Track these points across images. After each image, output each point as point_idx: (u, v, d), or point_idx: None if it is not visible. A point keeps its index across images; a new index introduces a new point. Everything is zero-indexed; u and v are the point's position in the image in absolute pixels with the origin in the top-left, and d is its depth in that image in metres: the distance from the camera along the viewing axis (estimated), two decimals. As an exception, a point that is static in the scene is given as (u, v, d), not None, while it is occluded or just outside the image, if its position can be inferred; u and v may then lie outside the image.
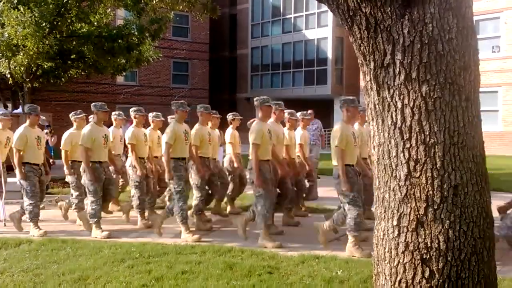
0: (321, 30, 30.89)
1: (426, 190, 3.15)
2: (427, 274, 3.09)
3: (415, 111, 3.21)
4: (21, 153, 7.71)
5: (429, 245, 3.11)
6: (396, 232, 3.22)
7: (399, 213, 3.22)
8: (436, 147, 3.16)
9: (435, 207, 3.12)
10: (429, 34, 3.18)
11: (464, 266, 3.09)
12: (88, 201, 7.68)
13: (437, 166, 3.15)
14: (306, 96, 31.37)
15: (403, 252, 3.18)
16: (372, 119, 3.45)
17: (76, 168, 8.19)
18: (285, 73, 33.76)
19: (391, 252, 3.23)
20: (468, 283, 3.09)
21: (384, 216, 3.31)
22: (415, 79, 3.21)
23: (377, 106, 3.39)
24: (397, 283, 3.18)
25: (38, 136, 7.89)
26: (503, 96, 22.19)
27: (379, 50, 3.31)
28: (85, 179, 7.51)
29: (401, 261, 3.18)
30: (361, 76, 3.62)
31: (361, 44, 3.41)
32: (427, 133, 3.18)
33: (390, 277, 3.22)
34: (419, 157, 3.19)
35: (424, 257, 3.11)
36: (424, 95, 3.19)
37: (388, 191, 3.29)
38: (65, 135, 8.50)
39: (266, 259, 6.04)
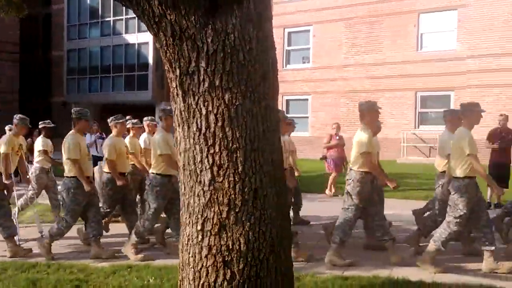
0: (141, 35, 30.55)
1: (229, 194, 3.25)
2: (228, 276, 3.20)
3: (218, 118, 3.30)
4: None
5: (230, 247, 3.21)
6: (200, 237, 3.28)
7: (203, 218, 3.28)
8: (238, 152, 3.28)
9: (237, 210, 3.24)
10: (231, 44, 3.29)
11: (263, 266, 3.25)
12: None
13: (239, 170, 3.27)
14: (127, 101, 30.75)
15: (206, 256, 3.25)
16: (179, 125, 3.47)
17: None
18: (104, 77, 32.73)
19: (195, 257, 3.28)
20: (267, 281, 3.26)
21: (189, 221, 3.35)
22: (218, 87, 3.30)
23: (183, 113, 3.42)
24: (200, 287, 3.24)
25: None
26: (311, 103, 24.04)
27: (184, 57, 3.34)
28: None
29: (204, 264, 3.25)
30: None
31: (167, 51, 3.42)
32: (230, 139, 3.29)
33: (194, 281, 3.27)
34: (222, 162, 3.28)
35: (226, 259, 3.21)
36: (227, 102, 3.29)
37: (193, 197, 3.34)
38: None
39: (75, 273, 5.75)
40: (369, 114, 6.49)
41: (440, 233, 6.04)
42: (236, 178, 3.26)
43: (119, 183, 7.02)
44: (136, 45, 31.31)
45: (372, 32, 22.34)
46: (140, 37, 30.78)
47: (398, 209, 9.32)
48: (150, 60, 30.79)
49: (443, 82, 20.69)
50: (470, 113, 6.08)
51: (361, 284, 5.42)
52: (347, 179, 6.48)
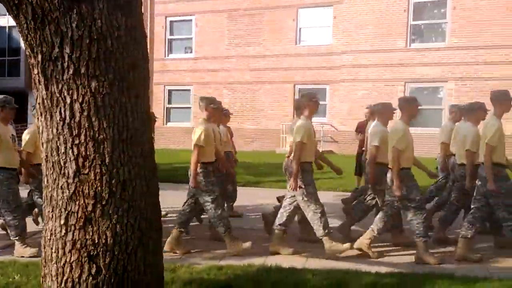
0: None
1: (95, 186, 3.14)
2: (93, 271, 3.09)
3: (84, 107, 3.17)
4: None
5: (96, 241, 3.11)
6: (64, 231, 3.14)
7: (66, 212, 3.14)
8: (105, 143, 3.18)
9: (104, 203, 3.14)
10: (98, 30, 3.17)
11: (131, 259, 3.18)
12: None
13: (106, 162, 3.17)
14: (-4, 88, 28.69)
15: (70, 251, 3.12)
16: (41, 114, 3.28)
17: None
18: (-29, 62, 30.25)
19: (58, 252, 3.14)
20: (135, 275, 3.20)
21: (52, 215, 3.19)
22: (84, 74, 3.17)
23: (45, 101, 3.24)
24: (63, 283, 3.10)
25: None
26: (194, 94, 23.97)
27: (47, 42, 3.17)
28: None
29: (68, 260, 3.11)
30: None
31: (28, 35, 3.22)
32: (96, 129, 3.17)
33: (57, 278, 3.13)
34: (88, 153, 3.16)
35: (92, 254, 3.10)
36: (93, 91, 3.17)
37: (56, 189, 3.18)
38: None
39: None
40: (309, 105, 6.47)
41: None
42: (103, 170, 3.16)
43: None
44: (7, 28, 29.25)
45: (254, 25, 22.70)
46: (12, 20, 28.77)
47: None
48: (23, 45, 28.87)
49: (319, 75, 21.57)
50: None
51: (236, 273, 5.50)
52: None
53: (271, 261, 5.95)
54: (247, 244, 6.31)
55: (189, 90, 24.21)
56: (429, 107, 19.40)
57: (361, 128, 10.65)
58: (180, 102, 24.29)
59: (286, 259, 6.04)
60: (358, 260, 6.14)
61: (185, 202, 6.66)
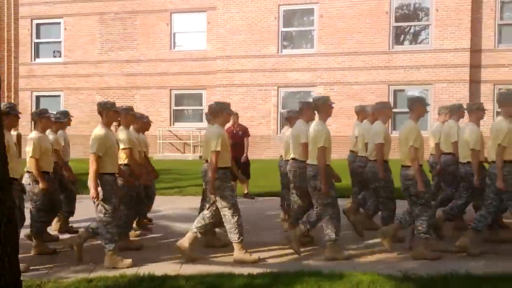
0: None
1: None
2: None
3: None
4: None
5: None
6: None
7: None
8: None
9: None
10: None
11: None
12: None
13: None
14: None
15: None
16: None
17: None
18: None
19: None
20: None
21: None
22: None
23: None
24: None
25: None
26: (64, 100, 22.89)
27: None
28: None
29: None
30: None
31: None
32: None
33: None
34: None
35: None
36: None
37: None
38: None
39: None
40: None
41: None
42: None
43: None
44: None
45: (126, 29, 22.20)
46: None
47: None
48: None
49: (196, 80, 21.61)
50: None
51: (107, 285, 5.33)
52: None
53: (144, 270, 5.84)
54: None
55: (59, 96, 23.09)
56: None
57: (229, 133, 10.74)
58: (49, 109, 23.06)
59: (160, 267, 5.97)
60: (233, 263, 6.22)
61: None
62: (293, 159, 7.37)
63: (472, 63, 18.67)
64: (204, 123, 21.43)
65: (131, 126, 7.38)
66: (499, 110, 6.95)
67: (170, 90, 21.93)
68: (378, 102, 8.25)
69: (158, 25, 21.89)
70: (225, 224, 6.37)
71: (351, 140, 8.97)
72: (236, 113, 11.03)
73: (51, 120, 7.39)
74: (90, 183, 6.01)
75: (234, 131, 10.86)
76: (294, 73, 20.17)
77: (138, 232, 7.78)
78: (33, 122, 7.09)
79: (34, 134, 6.88)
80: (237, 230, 6.30)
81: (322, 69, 19.87)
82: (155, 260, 6.37)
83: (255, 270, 5.79)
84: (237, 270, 5.82)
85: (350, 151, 8.85)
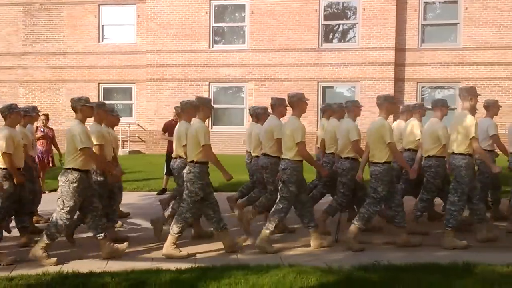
0: None
1: None
2: None
3: None
4: None
5: None
6: None
7: None
8: None
9: None
10: None
11: None
12: None
13: None
14: None
15: None
16: None
17: None
18: None
19: None
20: None
21: None
22: None
23: None
24: None
25: None
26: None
27: None
28: None
29: None
30: None
31: None
32: None
33: None
34: None
35: None
36: None
37: None
38: None
39: None
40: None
41: None
42: None
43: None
44: None
45: (52, 20, 21.42)
46: None
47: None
48: None
49: (125, 74, 21.19)
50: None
51: (29, 283, 5.17)
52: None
53: (68, 267, 5.71)
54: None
55: (-22, 88, 22.03)
56: (233, 106, 20.29)
57: (168, 128, 10.61)
58: (-31, 102, 21.95)
59: (85, 265, 5.85)
60: (160, 259, 6.19)
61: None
62: (264, 154, 7.46)
63: (397, 62, 19.37)
64: (133, 118, 21.16)
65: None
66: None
67: (99, 84, 21.40)
68: (349, 101, 8.12)
69: (85, 17, 21.28)
70: (177, 214, 6.53)
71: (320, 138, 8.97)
72: (176, 107, 10.80)
73: (21, 114, 7.20)
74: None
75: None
76: (226, 69, 20.19)
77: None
78: (3, 117, 6.88)
79: (5, 130, 6.69)
80: (182, 224, 6.37)
81: (253, 65, 20.00)
82: (81, 257, 6.25)
83: (183, 265, 5.79)
84: (165, 265, 5.79)
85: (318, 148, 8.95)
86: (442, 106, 7.47)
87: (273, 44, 19.85)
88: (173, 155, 7.67)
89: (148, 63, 20.52)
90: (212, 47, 20.38)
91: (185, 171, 6.55)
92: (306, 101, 6.76)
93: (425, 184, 7.54)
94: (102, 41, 21.44)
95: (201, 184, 6.38)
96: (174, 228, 6.37)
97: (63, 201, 6.04)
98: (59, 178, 6.14)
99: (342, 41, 20.34)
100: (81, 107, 6.21)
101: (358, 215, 6.80)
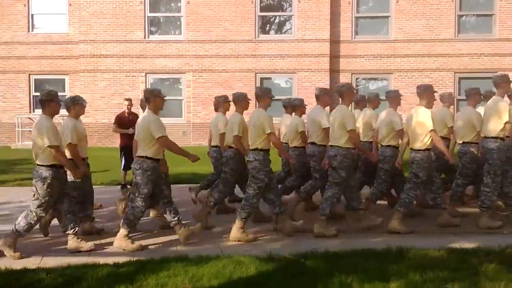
0: None
1: None
2: None
3: None
4: None
5: None
6: None
7: None
8: None
9: None
10: None
11: None
12: None
13: None
14: None
15: None
16: None
17: None
18: None
19: None
20: None
21: None
22: None
23: None
24: None
25: None
26: None
27: None
28: None
29: None
30: None
31: None
32: None
33: None
34: None
35: None
36: None
37: None
38: None
39: None
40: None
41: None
42: None
43: None
44: None
45: (-22, 9, 20.44)
46: None
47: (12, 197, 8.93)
48: None
49: (57, 65, 20.49)
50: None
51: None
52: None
53: (1, 263, 5.51)
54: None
55: None
56: (170, 98, 20.03)
57: (120, 121, 10.36)
58: None
59: (19, 261, 5.67)
60: (99, 253, 6.09)
61: None
62: (312, 143, 7.82)
63: (332, 53, 19.73)
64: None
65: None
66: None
67: (29, 75, 20.59)
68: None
69: (14, 5, 20.38)
70: (244, 199, 6.88)
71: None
72: (130, 99, 10.58)
73: (84, 106, 7.40)
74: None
75: (130, 118, 10.22)
76: (162, 60, 19.91)
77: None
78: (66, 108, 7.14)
79: (69, 121, 6.94)
80: (249, 210, 6.77)
81: (190, 56, 19.84)
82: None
83: (121, 259, 5.71)
84: (102, 259, 5.70)
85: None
86: (475, 94, 7.97)
87: (209, 35, 19.75)
88: (225, 145, 7.96)
89: (81, 54, 19.93)
90: (148, 37, 20.04)
91: (249, 158, 6.86)
92: (354, 91, 7.25)
93: (460, 169, 7.90)
94: (32, 30, 20.62)
95: (266, 171, 6.74)
96: (242, 213, 6.72)
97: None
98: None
99: (279, 32, 20.52)
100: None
101: (399, 202, 7.16)
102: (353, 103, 8.17)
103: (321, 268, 5.36)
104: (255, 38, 19.79)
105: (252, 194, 6.77)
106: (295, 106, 8.53)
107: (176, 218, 6.48)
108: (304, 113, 8.52)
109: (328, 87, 18.90)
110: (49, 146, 5.97)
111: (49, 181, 5.96)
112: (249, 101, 7.84)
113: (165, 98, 6.67)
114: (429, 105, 7.02)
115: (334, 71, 19.84)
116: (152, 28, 20.27)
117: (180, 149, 6.56)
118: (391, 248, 6.05)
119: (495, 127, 7.19)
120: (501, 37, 19.38)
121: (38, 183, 5.97)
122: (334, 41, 19.75)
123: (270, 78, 20.08)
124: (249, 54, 19.74)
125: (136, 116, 10.41)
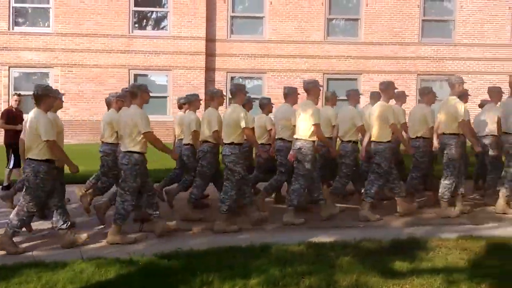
0: None
1: None
2: None
3: None
4: None
5: None
6: None
7: None
8: None
9: None
10: None
11: None
12: None
13: None
14: None
15: None
16: None
17: None
18: None
19: None
20: None
21: None
22: None
23: None
24: None
25: None
26: None
27: None
28: None
29: None
30: None
31: None
32: None
33: None
34: None
35: None
36: None
37: None
38: None
39: None
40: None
41: None
42: None
43: None
44: None
45: None
46: None
47: None
48: None
49: None
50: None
51: None
52: None
53: None
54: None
55: None
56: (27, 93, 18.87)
57: (8, 116, 9.80)
58: None
59: None
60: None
61: None
62: (280, 139, 8.09)
63: (207, 52, 19.76)
64: None
65: None
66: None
67: None
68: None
69: None
70: (222, 193, 7.17)
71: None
72: (18, 93, 10.10)
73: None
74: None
75: (18, 113, 9.54)
76: (28, 53, 18.72)
77: None
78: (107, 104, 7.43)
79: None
80: (229, 202, 7.04)
81: (59, 50, 18.84)
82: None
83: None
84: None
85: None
86: (428, 93, 8.51)
87: (80, 28, 18.89)
88: (200, 139, 7.96)
89: None
90: (13, 28, 18.76)
91: (225, 153, 7.10)
92: (320, 88, 7.63)
93: (414, 163, 8.39)
94: None
95: (242, 164, 7.11)
96: (223, 207, 6.99)
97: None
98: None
99: (155, 28, 20.17)
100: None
101: (364, 192, 7.73)
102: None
103: (185, 268, 5.31)
104: (129, 33, 19.26)
105: (230, 186, 7.06)
106: (263, 105, 8.89)
107: (157, 213, 6.69)
108: (271, 111, 8.94)
109: (203, 86, 19.00)
110: (46, 140, 6.00)
111: (41, 175, 6.02)
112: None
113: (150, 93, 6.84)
114: (389, 101, 7.78)
115: (209, 69, 19.87)
116: (18, 19, 18.99)
117: (163, 145, 6.74)
118: (255, 244, 6.16)
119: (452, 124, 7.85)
120: (366, 40, 20.53)
121: (31, 177, 6.02)
122: (210, 40, 19.79)
123: (146, 75, 19.67)
124: (122, 49, 19.16)
125: (22, 112, 9.96)
